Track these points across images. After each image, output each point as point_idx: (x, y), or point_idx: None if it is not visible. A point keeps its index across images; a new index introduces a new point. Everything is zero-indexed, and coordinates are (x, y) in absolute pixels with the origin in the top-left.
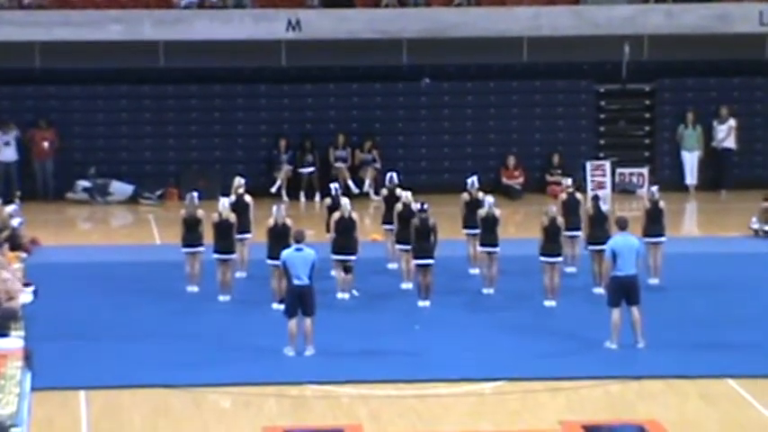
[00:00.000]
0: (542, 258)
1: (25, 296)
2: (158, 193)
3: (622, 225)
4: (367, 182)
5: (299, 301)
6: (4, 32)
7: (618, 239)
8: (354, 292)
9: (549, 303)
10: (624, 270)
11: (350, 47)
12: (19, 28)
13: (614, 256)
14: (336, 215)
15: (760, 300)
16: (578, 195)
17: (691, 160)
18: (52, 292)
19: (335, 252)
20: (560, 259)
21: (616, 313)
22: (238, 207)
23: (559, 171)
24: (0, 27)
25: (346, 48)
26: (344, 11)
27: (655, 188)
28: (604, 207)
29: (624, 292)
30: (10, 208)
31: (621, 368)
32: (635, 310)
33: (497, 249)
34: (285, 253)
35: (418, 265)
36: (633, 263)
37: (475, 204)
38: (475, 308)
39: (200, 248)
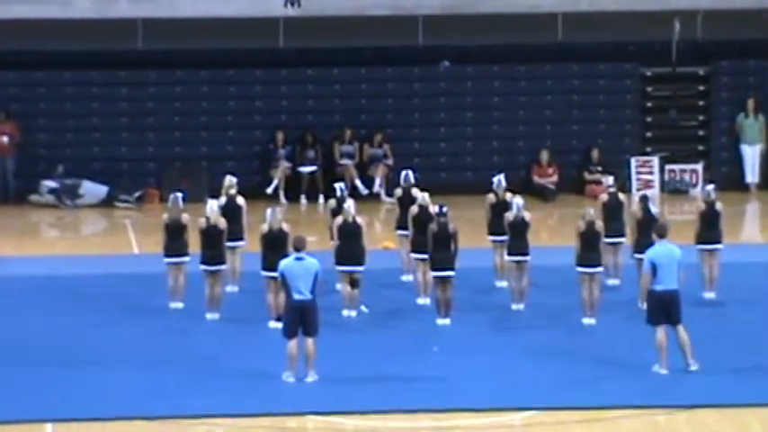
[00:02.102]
0: (579, 269)
1: None
2: (136, 194)
3: (662, 233)
4: (377, 181)
5: (300, 318)
6: None
7: (658, 249)
8: (363, 308)
9: (587, 321)
10: (664, 284)
11: (357, 25)
12: None
13: (654, 268)
14: (339, 220)
15: None
16: (621, 196)
17: (752, 155)
18: (13, 310)
19: (339, 262)
20: (600, 270)
21: (661, 332)
22: (229, 210)
23: (599, 168)
24: None
25: (353, 26)
26: None
27: (710, 187)
28: (654, 209)
29: (663, 308)
30: None
31: (670, 396)
32: (681, 330)
33: (528, 258)
34: (284, 263)
35: (437, 278)
36: (675, 276)
37: (502, 207)
38: (502, 326)
39: (185, 258)
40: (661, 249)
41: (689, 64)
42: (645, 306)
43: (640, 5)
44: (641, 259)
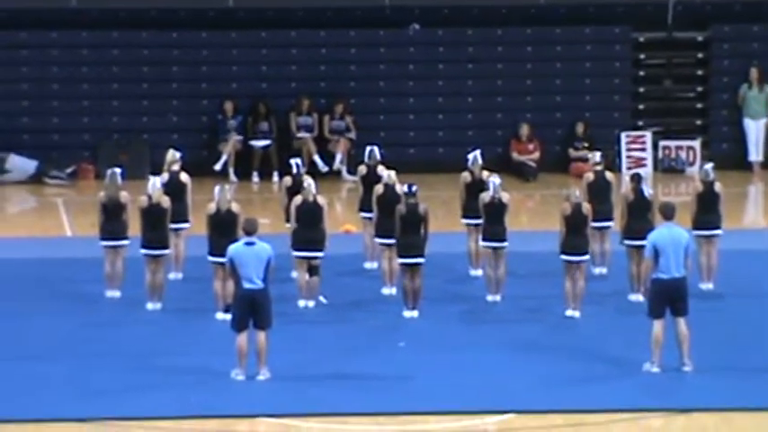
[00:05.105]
0: (564, 257)
1: None
2: (69, 170)
3: (668, 214)
4: (338, 157)
5: (251, 309)
6: None
7: (662, 232)
8: (322, 298)
9: (571, 313)
10: (669, 272)
11: None
12: None
13: (656, 253)
14: (298, 200)
15: None
16: (609, 175)
17: (756, 130)
18: None
19: (297, 247)
20: (586, 257)
21: (658, 326)
22: (172, 189)
23: (586, 144)
24: None
25: None
26: None
27: (709, 166)
28: (648, 191)
29: (668, 299)
30: None
31: (664, 398)
32: (682, 324)
33: (505, 244)
34: (233, 248)
35: (404, 265)
36: (681, 262)
37: (478, 187)
38: (476, 320)
39: (124, 242)
40: (666, 232)
41: (686, 28)
42: (639, 298)
43: None
44: (631, 246)
